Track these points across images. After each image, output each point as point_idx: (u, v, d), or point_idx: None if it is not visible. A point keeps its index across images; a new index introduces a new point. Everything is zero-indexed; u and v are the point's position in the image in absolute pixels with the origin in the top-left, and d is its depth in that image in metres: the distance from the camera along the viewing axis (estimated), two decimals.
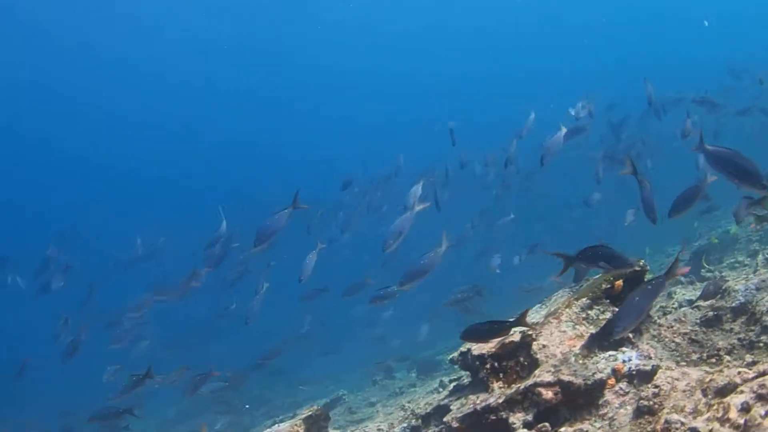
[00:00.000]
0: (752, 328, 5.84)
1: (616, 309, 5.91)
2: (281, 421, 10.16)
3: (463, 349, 6.81)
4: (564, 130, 9.72)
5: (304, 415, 7.75)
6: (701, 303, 6.92)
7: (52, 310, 13.85)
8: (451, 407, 6.66)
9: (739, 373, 4.76)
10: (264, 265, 12.85)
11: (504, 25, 54.70)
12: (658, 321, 6.19)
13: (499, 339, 6.13)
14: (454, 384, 7.79)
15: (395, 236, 8.29)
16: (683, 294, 8.10)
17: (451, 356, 7.42)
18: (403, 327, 16.07)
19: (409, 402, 9.65)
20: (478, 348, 6.33)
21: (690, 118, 10.24)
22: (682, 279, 8.83)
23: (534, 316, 6.64)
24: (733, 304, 6.32)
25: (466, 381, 7.33)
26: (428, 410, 7.61)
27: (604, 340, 5.87)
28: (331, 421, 11.81)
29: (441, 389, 9.78)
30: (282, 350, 13.24)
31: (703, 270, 9.14)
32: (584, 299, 5.93)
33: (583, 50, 52.96)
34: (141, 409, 9.57)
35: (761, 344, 5.56)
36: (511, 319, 5.66)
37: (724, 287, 6.71)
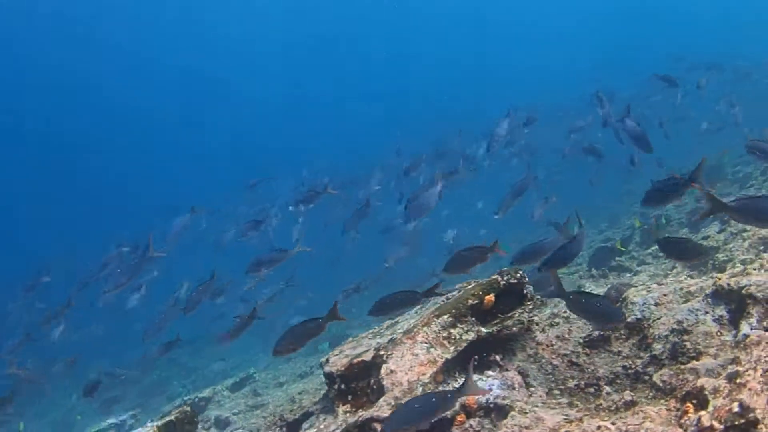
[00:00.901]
0: (641, 355, 4.93)
1: (483, 328, 4.96)
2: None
3: (323, 359, 5.88)
4: (507, 120, 9.28)
5: (164, 420, 6.88)
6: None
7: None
8: (304, 425, 5.85)
9: (599, 428, 3.88)
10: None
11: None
12: (537, 337, 5.27)
13: (350, 358, 5.21)
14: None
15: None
16: (591, 290, 7.22)
17: (321, 360, 6.50)
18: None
19: (300, 393, 8.83)
20: (330, 364, 5.41)
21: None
22: (594, 272, 7.95)
23: (402, 324, 5.69)
24: (628, 320, 5.42)
25: None
26: (297, 416, 6.78)
27: (464, 363, 4.98)
28: (232, 403, 11.13)
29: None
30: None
31: (621, 258, 8.25)
32: (446, 316, 4.94)
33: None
34: None
35: (646, 378, 4.66)
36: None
37: (624, 295, 5.79)
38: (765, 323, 4.43)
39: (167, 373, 15.58)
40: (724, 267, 6.61)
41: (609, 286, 6.28)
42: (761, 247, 6.48)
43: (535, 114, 10.94)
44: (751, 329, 4.46)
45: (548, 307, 6.21)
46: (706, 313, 4.91)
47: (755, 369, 3.96)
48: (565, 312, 5.94)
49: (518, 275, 5.14)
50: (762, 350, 4.14)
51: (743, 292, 4.64)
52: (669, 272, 7.24)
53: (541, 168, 13.74)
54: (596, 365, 5.02)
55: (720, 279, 4.95)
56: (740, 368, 4.03)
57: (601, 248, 8.40)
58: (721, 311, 4.88)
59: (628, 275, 7.72)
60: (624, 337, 5.32)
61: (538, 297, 5.33)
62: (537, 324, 5.51)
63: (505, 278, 5.12)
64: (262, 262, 7.47)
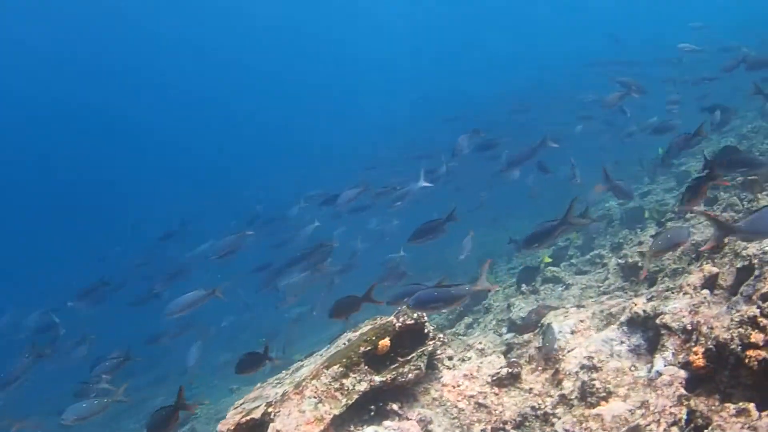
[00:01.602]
0: (551, 393, 4.46)
1: (377, 377, 4.44)
2: None
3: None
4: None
5: None
6: (514, 340, 5.54)
7: None
8: None
9: None
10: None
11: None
12: (443, 378, 4.77)
13: (241, 415, 4.67)
14: None
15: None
16: (521, 308, 6.77)
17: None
18: None
19: None
20: (222, 423, 4.85)
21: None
22: (524, 288, 7.50)
23: (303, 371, 5.15)
24: (545, 349, 4.96)
25: None
26: None
27: (361, 415, 4.47)
28: None
29: None
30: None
31: (558, 268, 7.79)
32: (336, 367, 4.41)
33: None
34: None
35: (554, 420, 4.20)
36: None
37: (542, 321, 5.33)
38: (680, 357, 3.98)
39: None
40: (655, 278, 6.21)
41: (530, 310, 5.82)
42: (693, 256, 6.08)
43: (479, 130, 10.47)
44: (665, 365, 4.01)
45: (456, 341, 5.78)
46: (622, 342, 4.46)
47: (658, 423, 3.52)
48: (480, 343, 5.48)
49: (415, 315, 4.63)
50: (669, 397, 3.70)
51: (657, 321, 4.20)
52: (601, 284, 6.81)
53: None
54: (505, 406, 4.54)
55: (636, 305, 4.49)
56: (642, 421, 3.59)
57: (527, 268, 7.96)
58: (637, 339, 4.44)
59: (560, 288, 7.27)
60: (538, 370, 4.87)
61: (442, 336, 4.83)
62: (444, 362, 5.03)
63: (401, 319, 4.61)
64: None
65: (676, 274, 6.09)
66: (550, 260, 7.97)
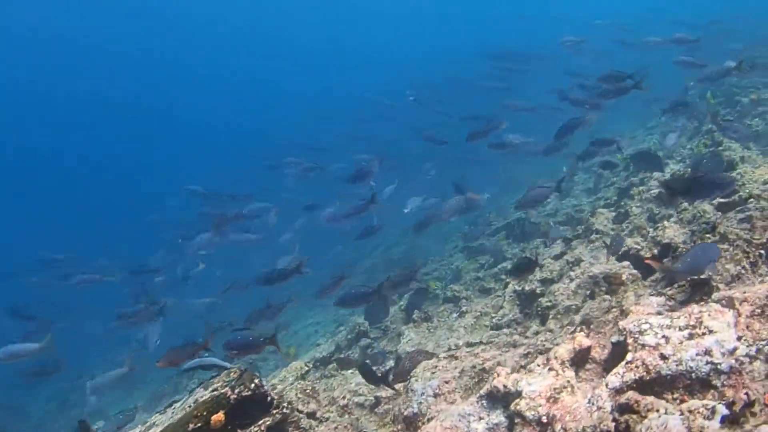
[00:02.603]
0: None
1: None
2: None
3: None
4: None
5: None
6: (382, 393, 5.10)
7: None
8: None
9: None
10: None
11: None
12: None
13: None
14: None
15: None
16: (409, 340, 6.34)
17: None
18: None
19: None
20: None
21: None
22: (416, 316, 7.05)
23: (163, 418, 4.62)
24: (406, 412, 4.54)
25: None
26: None
27: None
28: None
29: None
30: None
31: (458, 287, 7.32)
32: None
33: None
34: None
35: None
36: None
37: (412, 372, 4.90)
38: None
39: None
40: (547, 314, 5.83)
41: (407, 354, 5.39)
42: (587, 292, 5.71)
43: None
44: None
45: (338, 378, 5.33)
46: (480, 419, 4.04)
47: None
48: (344, 398, 5.04)
49: (253, 385, 4.10)
50: None
51: (513, 408, 3.78)
52: (495, 313, 6.40)
53: None
54: None
55: (497, 376, 4.07)
56: None
57: (419, 290, 7.52)
58: (497, 417, 4.02)
59: (455, 315, 6.84)
60: None
61: (286, 405, 4.33)
62: (301, 422, 4.57)
63: (236, 391, 4.08)
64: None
65: (568, 312, 5.74)
66: (436, 286, 7.56)
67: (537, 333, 5.58)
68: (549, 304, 5.83)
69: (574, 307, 5.69)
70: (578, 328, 4.60)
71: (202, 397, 4.34)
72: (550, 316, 5.74)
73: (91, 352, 14.28)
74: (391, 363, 6.19)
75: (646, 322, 3.71)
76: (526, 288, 6.36)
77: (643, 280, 5.58)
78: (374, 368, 5.31)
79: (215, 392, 4.05)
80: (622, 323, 4.05)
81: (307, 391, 5.04)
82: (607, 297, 5.37)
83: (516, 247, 8.86)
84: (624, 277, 5.60)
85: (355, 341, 7.42)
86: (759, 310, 3.56)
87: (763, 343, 3.33)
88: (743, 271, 4.56)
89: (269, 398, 4.18)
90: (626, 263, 5.85)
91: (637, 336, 3.81)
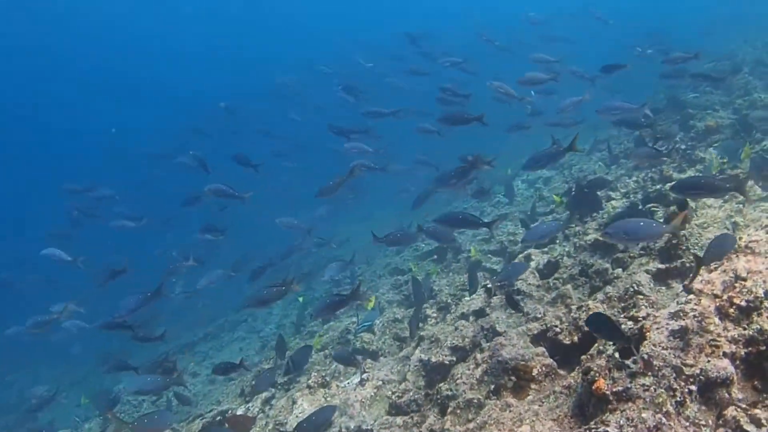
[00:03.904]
0: None
1: None
2: None
3: None
4: None
5: None
6: None
7: None
8: None
9: None
10: None
11: None
12: None
13: None
14: None
15: None
16: (302, 411, 5.83)
17: None
18: None
19: None
20: None
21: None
22: (311, 381, 6.47)
23: None
24: None
25: None
26: None
27: None
28: None
29: None
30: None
31: (361, 341, 6.72)
32: None
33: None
34: None
35: None
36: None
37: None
38: None
39: None
40: (447, 405, 5.37)
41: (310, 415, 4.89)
42: (492, 386, 5.23)
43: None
44: None
45: None
46: None
47: None
48: None
49: None
50: None
51: None
52: (398, 386, 5.91)
53: None
54: None
55: None
56: None
57: (305, 347, 6.88)
58: None
59: (355, 381, 6.29)
60: None
61: None
62: None
63: None
64: None
65: (469, 406, 5.32)
66: (320, 346, 7.09)
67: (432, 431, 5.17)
68: (449, 393, 5.40)
69: (476, 401, 5.26)
70: None
71: None
72: (449, 410, 5.31)
73: None
74: None
75: None
76: (433, 360, 5.90)
77: (559, 369, 5.20)
78: None
79: None
80: None
81: None
82: (512, 402, 4.96)
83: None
84: (535, 372, 5.19)
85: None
86: None
87: None
88: (663, 419, 3.88)
89: None
90: (541, 350, 5.43)
91: None
